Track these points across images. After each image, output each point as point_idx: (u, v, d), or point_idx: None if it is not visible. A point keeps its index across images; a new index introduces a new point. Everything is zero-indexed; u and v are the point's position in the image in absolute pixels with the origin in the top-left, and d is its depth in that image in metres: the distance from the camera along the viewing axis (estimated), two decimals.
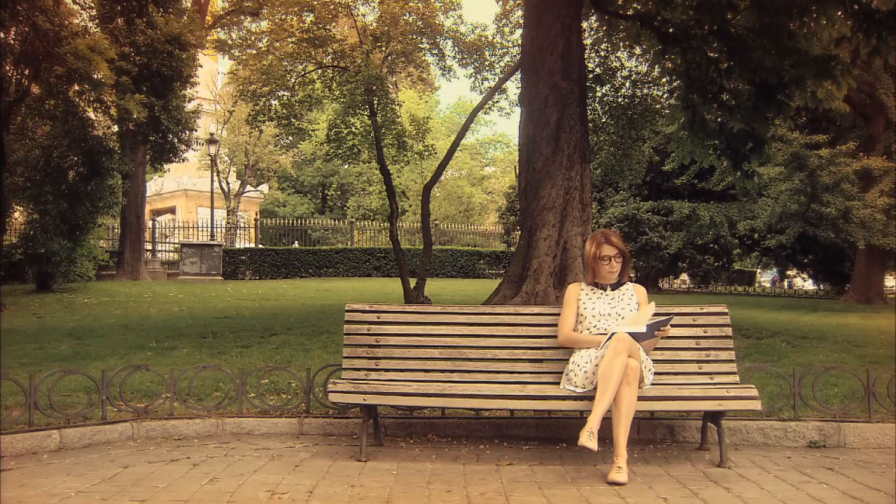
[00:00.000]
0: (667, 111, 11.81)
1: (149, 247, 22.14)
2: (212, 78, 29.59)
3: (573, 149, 7.15)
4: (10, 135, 11.54)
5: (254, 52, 12.66)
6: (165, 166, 17.23)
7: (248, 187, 34.83)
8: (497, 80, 13.27)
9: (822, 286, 26.12)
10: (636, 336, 3.73)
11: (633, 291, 4.12)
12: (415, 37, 12.10)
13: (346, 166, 37.26)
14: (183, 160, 16.30)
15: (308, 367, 4.80)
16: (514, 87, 23.85)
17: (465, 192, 38.73)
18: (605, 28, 10.98)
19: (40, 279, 13.19)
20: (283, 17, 12.08)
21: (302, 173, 42.07)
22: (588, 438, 3.42)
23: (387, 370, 4.18)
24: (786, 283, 34.35)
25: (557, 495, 3.24)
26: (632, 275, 19.92)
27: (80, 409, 4.39)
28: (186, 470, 3.62)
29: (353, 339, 4.24)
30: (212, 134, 25.02)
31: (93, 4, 13.36)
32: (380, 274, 21.26)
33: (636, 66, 12.66)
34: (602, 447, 3.48)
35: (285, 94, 12.25)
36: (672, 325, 3.93)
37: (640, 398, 3.66)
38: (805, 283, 34.43)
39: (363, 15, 12.55)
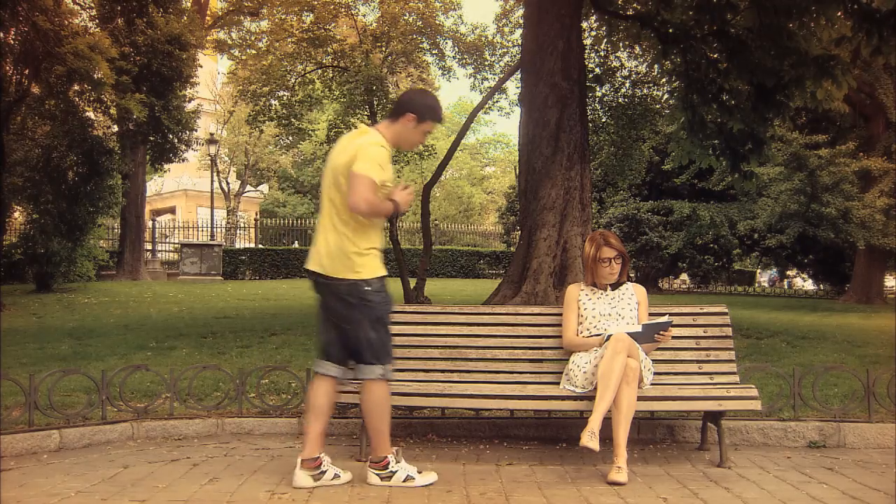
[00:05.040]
0: (667, 111, 11.82)
1: (149, 247, 22.12)
2: (212, 78, 29.58)
3: (573, 149, 7.16)
4: (10, 135, 11.54)
5: (254, 52, 12.70)
6: (165, 166, 17.22)
7: (248, 187, 34.83)
8: (497, 80, 13.28)
9: (822, 286, 26.13)
10: (634, 336, 3.73)
11: (633, 291, 4.12)
12: (415, 37, 12.13)
13: None
14: (183, 160, 16.27)
15: (308, 367, 4.77)
16: (514, 87, 23.80)
17: (465, 192, 38.78)
18: (605, 28, 11.00)
19: (40, 279, 13.19)
20: (283, 17, 12.11)
21: (302, 173, 42.05)
22: (590, 439, 3.42)
23: None
24: (786, 283, 34.37)
25: (557, 495, 3.24)
26: (631, 274, 20.03)
27: (80, 409, 4.38)
28: (186, 470, 3.62)
29: None
30: (212, 134, 25.01)
31: (93, 4, 13.36)
32: None
33: (636, 66, 12.69)
34: (602, 447, 3.47)
35: (285, 94, 12.27)
36: (672, 326, 3.92)
37: (640, 398, 3.65)
38: (805, 283, 34.44)
39: (363, 15, 12.60)
